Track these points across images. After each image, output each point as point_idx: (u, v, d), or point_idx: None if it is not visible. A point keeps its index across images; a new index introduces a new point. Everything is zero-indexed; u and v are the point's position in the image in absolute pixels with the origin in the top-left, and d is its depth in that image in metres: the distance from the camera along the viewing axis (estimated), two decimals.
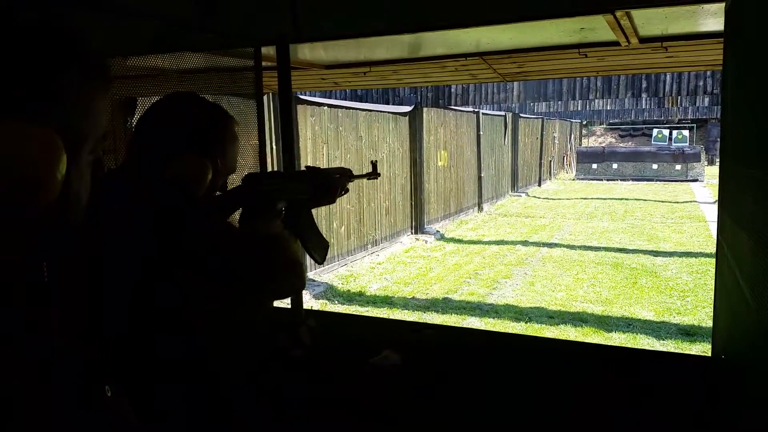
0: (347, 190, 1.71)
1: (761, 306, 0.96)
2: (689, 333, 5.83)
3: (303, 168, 1.64)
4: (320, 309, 6.72)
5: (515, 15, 1.93)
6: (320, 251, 1.65)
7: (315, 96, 8.30)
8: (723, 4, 1.64)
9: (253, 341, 1.52)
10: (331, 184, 1.62)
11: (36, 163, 0.65)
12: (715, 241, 1.70)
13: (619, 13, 1.85)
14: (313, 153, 8.06)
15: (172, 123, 1.34)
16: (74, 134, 0.70)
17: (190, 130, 1.34)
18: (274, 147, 6.78)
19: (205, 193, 1.38)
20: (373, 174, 1.86)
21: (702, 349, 5.40)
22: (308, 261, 7.59)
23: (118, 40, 2.19)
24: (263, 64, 2.40)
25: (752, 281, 1.02)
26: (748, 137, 1.12)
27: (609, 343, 5.49)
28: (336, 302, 7.18)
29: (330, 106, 8.53)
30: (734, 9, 1.46)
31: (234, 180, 1.56)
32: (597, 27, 2.22)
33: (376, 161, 1.93)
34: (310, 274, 7.88)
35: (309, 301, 6.99)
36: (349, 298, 7.36)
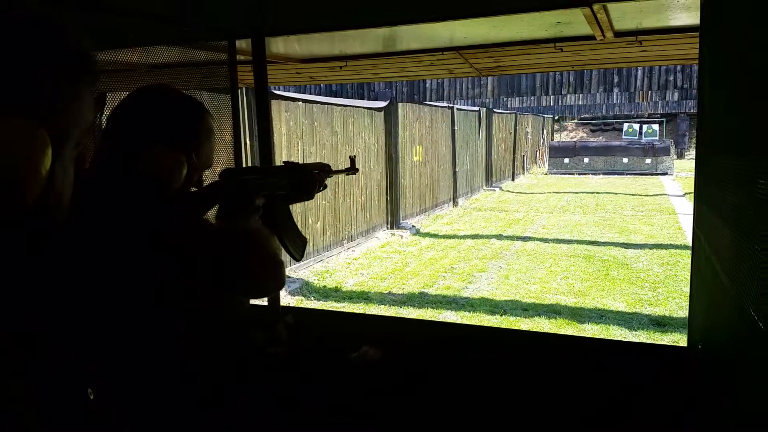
0: (325, 186, 1.70)
1: (741, 294, 0.97)
2: (661, 323, 5.94)
3: (281, 163, 1.61)
4: (296, 305, 6.68)
5: (494, 8, 1.93)
6: (298, 248, 1.63)
7: (289, 91, 8.24)
8: None
9: (231, 340, 1.50)
10: (310, 179, 1.60)
11: (20, 158, 0.64)
12: (691, 233, 1.73)
13: (596, 7, 1.86)
14: (288, 148, 7.99)
15: (144, 116, 1.29)
16: (59, 128, 0.69)
17: (164, 124, 1.29)
18: (248, 142, 6.71)
19: (180, 189, 1.34)
20: (352, 169, 1.85)
21: (673, 339, 5.51)
22: (285, 257, 7.53)
23: (89, 33, 2.12)
24: (237, 57, 2.36)
25: (732, 270, 1.03)
26: (729, 129, 1.13)
27: (582, 335, 5.57)
28: (312, 298, 7.15)
29: (305, 101, 8.47)
30: (710, 1, 1.48)
31: (210, 175, 1.53)
32: (573, 21, 2.23)
33: (354, 156, 1.91)
34: (286, 271, 7.83)
35: (285, 298, 6.94)
36: (325, 294, 7.33)
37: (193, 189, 1.44)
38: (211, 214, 1.48)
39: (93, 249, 1.14)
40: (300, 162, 1.68)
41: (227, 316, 1.45)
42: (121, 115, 1.31)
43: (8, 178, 0.63)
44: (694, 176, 1.68)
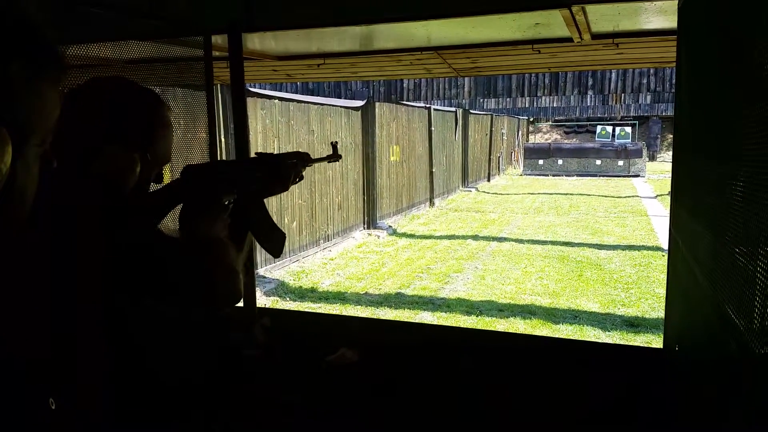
0: (302, 177, 1.60)
1: (720, 296, 0.98)
2: (634, 324, 6.02)
3: (253, 155, 1.54)
4: (271, 306, 6.62)
5: (473, 9, 1.92)
6: (275, 243, 1.54)
7: (265, 88, 8.16)
8: (675, 2, 1.67)
9: (202, 341, 1.46)
10: (284, 170, 1.50)
11: None
12: (665, 235, 1.74)
13: (575, 8, 1.86)
14: (264, 147, 7.92)
15: (95, 113, 1.21)
16: (21, 125, 0.66)
17: (115, 120, 1.22)
18: (223, 140, 6.62)
19: (137, 187, 1.26)
20: (334, 156, 1.73)
21: (646, 339, 5.59)
22: (260, 257, 7.46)
23: (60, 27, 2.06)
24: (213, 53, 2.32)
25: (711, 272, 1.03)
26: (707, 132, 1.14)
27: (557, 335, 5.62)
28: (288, 299, 7.09)
29: (281, 99, 8.39)
30: (687, 5, 1.49)
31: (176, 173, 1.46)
32: (551, 23, 2.24)
33: (337, 142, 1.80)
34: (261, 271, 7.76)
35: (260, 298, 6.87)
36: (301, 294, 7.28)
37: (154, 185, 1.36)
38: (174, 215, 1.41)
39: (44, 251, 1.09)
40: (272, 152, 1.59)
41: (199, 318, 1.41)
42: (73, 111, 1.25)
43: None
44: (670, 178, 1.69)
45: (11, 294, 0.74)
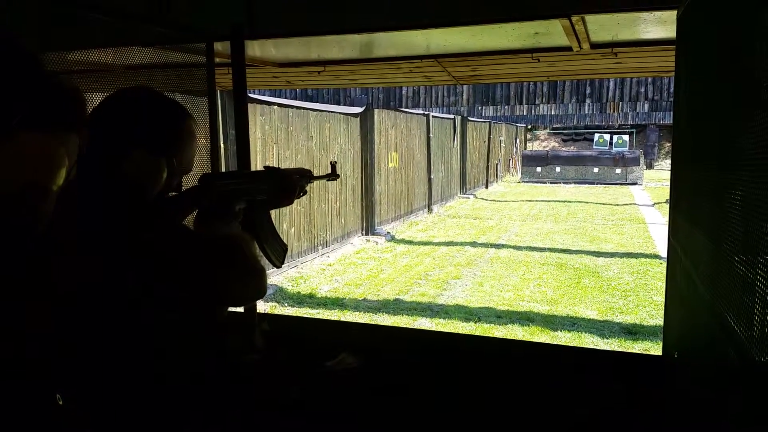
0: (305, 192, 1.68)
1: (720, 303, 0.99)
2: (632, 331, 6.02)
3: (261, 168, 1.59)
4: (269, 311, 6.61)
5: (474, 18, 1.94)
6: (278, 254, 1.61)
7: (264, 95, 8.18)
8: (674, 12, 1.69)
9: (209, 345, 1.47)
10: (290, 184, 1.58)
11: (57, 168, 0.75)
12: (663, 243, 1.75)
13: (574, 18, 1.88)
14: (263, 153, 7.93)
15: (126, 119, 1.27)
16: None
17: (145, 127, 1.28)
18: (222, 146, 6.64)
19: (160, 193, 1.32)
20: (333, 175, 1.83)
21: (644, 347, 5.60)
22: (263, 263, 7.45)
23: (63, 32, 2.08)
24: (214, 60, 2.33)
25: (711, 280, 1.04)
26: (706, 140, 1.15)
27: (556, 342, 5.62)
28: (286, 304, 7.08)
29: (280, 105, 8.41)
30: (686, 16, 1.50)
31: (189, 180, 1.50)
32: (551, 32, 2.26)
33: (335, 162, 1.90)
34: None
35: (258, 304, 6.86)
36: (299, 300, 7.27)
37: (172, 194, 1.41)
38: (189, 219, 1.45)
39: (69, 250, 1.12)
40: (279, 167, 1.66)
41: (205, 322, 1.43)
42: (102, 117, 1.29)
43: (47, 185, 0.72)
44: (669, 186, 1.70)
45: (25, 288, 0.75)
